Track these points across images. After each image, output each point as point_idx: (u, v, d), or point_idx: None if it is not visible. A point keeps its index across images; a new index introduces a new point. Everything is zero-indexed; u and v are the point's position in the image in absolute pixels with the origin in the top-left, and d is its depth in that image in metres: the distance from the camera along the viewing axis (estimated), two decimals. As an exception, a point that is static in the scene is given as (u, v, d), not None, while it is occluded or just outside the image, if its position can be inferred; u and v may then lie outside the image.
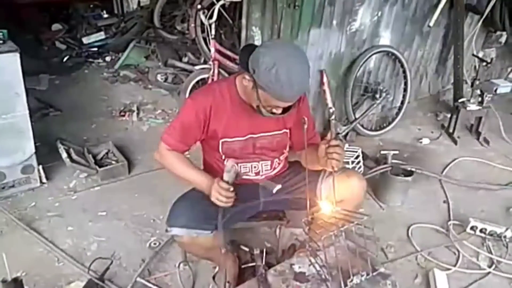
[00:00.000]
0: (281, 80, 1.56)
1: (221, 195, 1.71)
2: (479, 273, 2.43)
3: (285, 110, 1.74)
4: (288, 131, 1.98)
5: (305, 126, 1.78)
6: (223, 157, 1.94)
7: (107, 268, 2.22)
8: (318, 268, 1.75)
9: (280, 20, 2.88)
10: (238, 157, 1.93)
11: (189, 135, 1.87)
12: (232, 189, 1.72)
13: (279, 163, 2.06)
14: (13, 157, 2.65)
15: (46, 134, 3.30)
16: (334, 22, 3.22)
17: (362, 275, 1.68)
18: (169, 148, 1.87)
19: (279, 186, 1.90)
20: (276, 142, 1.96)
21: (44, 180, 2.86)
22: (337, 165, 1.76)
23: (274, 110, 1.72)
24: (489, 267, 2.46)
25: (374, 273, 1.71)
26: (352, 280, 1.66)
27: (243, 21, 3.00)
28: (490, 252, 2.56)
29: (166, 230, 1.86)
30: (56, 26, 5.24)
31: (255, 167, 2.00)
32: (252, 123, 1.87)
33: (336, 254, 1.79)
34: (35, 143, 2.73)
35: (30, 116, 2.65)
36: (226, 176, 1.72)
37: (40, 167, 2.82)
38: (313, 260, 1.79)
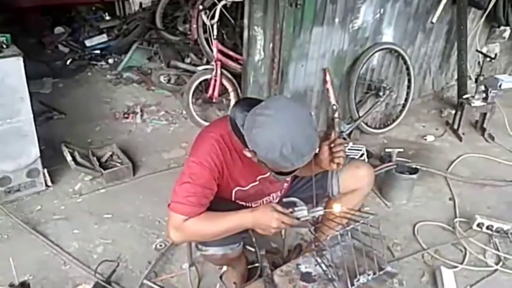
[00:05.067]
0: (290, 158, 1.41)
1: (285, 226, 1.57)
2: (486, 270, 2.42)
3: None
4: None
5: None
6: (235, 200, 1.82)
7: (114, 271, 2.23)
8: (324, 268, 1.75)
9: (282, 19, 2.87)
10: (252, 199, 1.84)
11: (207, 196, 1.61)
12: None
13: (286, 183, 1.96)
14: (18, 161, 2.66)
15: (50, 138, 3.31)
16: (336, 20, 3.21)
17: (368, 275, 1.68)
18: (186, 218, 1.57)
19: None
20: None
21: (49, 183, 2.86)
22: (343, 163, 1.74)
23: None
24: (496, 264, 2.45)
25: (381, 272, 1.71)
26: (358, 280, 1.66)
27: (245, 21, 2.99)
28: (497, 249, 2.55)
29: (200, 249, 1.80)
30: (58, 29, 5.24)
31: (267, 200, 1.90)
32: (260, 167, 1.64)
33: (342, 254, 1.79)
34: (39, 146, 2.73)
35: (34, 120, 2.66)
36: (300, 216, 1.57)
37: (45, 170, 2.83)
38: (319, 260, 1.79)
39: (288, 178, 1.73)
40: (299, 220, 1.56)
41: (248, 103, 1.55)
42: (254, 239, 1.72)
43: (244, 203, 1.83)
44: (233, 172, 1.68)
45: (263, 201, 1.88)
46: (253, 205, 1.83)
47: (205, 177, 1.59)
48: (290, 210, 1.58)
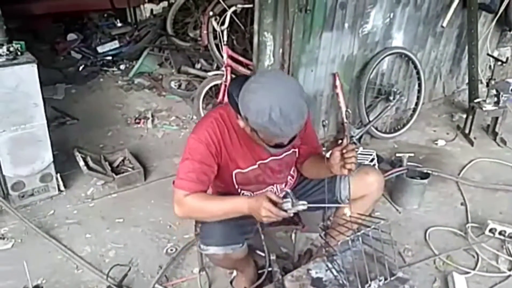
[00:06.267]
0: (277, 123, 1.47)
1: (275, 217, 1.58)
2: (499, 276, 2.40)
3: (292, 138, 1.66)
4: (297, 149, 1.94)
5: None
6: (238, 187, 1.89)
7: (125, 275, 2.25)
8: (335, 273, 1.75)
9: (292, 25, 2.89)
10: (254, 185, 1.90)
11: (206, 172, 1.71)
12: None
13: (291, 178, 2.05)
14: (32, 166, 2.70)
15: (63, 143, 3.35)
16: (346, 25, 3.22)
17: (380, 280, 1.68)
18: (187, 194, 1.66)
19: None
20: (285, 163, 1.93)
21: (62, 188, 2.90)
22: (354, 169, 1.74)
23: (280, 143, 1.65)
24: (509, 270, 2.43)
25: (392, 278, 1.70)
26: (370, 285, 1.65)
27: (255, 26, 3.01)
28: (510, 255, 2.52)
29: (201, 249, 1.84)
30: (71, 36, 5.32)
31: (271, 190, 1.95)
32: (260, 149, 1.78)
33: (353, 259, 1.78)
34: (52, 151, 2.77)
35: (48, 126, 2.70)
36: (288, 209, 1.56)
37: (58, 175, 2.87)
38: (330, 265, 1.79)
39: (281, 151, 1.74)
40: (286, 212, 1.55)
41: (245, 79, 1.61)
42: (264, 243, 1.74)
43: (248, 193, 1.89)
44: (232, 152, 1.75)
45: (267, 191, 1.91)
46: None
47: (201, 152, 1.69)
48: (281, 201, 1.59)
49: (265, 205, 1.53)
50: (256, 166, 1.83)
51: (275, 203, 1.54)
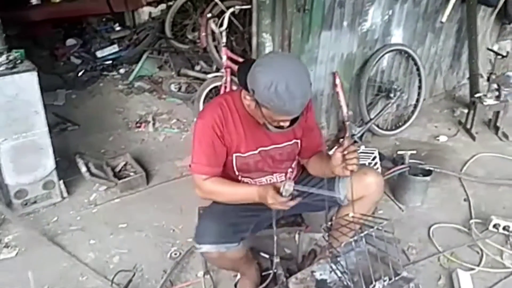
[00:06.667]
0: (282, 96, 1.55)
1: (279, 205, 1.67)
2: (504, 272, 2.39)
3: (292, 121, 1.72)
4: (298, 141, 1.96)
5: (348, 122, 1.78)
6: (238, 174, 1.93)
7: (130, 281, 2.26)
8: (339, 274, 1.75)
9: (290, 25, 2.88)
10: (253, 172, 1.93)
11: (216, 154, 1.81)
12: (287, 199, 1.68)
13: (292, 171, 2.06)
14: (34, 174, 2.71)
15: (65, 149, 3.36)
16: (345, 23, 3.21)
17: (384, 280, 1.68)
18: (205, 178, 1.81)
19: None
20: (287, 153, 1.95)
21: (65, 194, 2.91)
22: (356, 170, 1.74)
23: (281, 124, 1.71)
24: (514, 265, 2.42)
25: (397, 278, 1.70)
26: (374, 286, 1.65)
27: (253, 28, 3.00)
28: (515, 250, 2.52)
29: (195, 247, 1.86)
30: (70, 41, 5.32)
31: (270, 180, 1.99)
32: (262, 136, 1.85)
33: (357, 260, 1.78)
34: (55, 158, 2.78)
35: (49, 132, 2.71)
36: (285, 195, 1.65)
37: (61, 182, 2.87)
38: (334, 267, 1.78)
39: (281, 134, 1.82)
40: (287, 197, 1.65)
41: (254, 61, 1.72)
42: (275, 246, 1.79)
43: (247, 179, 1.96)
44: (234, 135, 1.82)
45: (267, 180, 1.98)
46: (257, 183, 1.96)
47: (209, 135, 1.78)
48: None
49: (271, 194, 1.65)
50: (256, 152, 1.88)
51: (279, 192, 1.65)
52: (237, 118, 1.82)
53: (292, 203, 1.66)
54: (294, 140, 1.94)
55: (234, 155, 1.87)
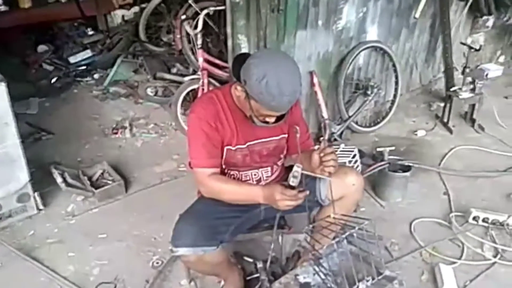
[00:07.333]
0: (272, 91, 1.59)
1: (289, 200, 1.66)
2: (485, 264, 2.43)
3: (279, 118, 1.76)
4: (286, 136, 1.98)
5: (298, 135, 1.78)
6: (224, 167, 1.93)
7: (111, 293, 2.20)
8: (323, 276, 1.74)
9: (265, 26, 2.87)
10: (239, 166, 1.94)
11: (215, 146, 1.83)
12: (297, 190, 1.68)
13: (277, 168, 2.07)
14: (8, 187, 2.62)
15: (39, 159, 3.27)
16: (320, 22, 3.21)
17: (367, 280, 1.68)
18: (208, 172, 1.81)
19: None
20: (273, 148, 1.97)
21: (41, 206, 2.82)
22: (334, 171, 1.75)
23: (267, 119, 1.74)
24: (494, 256, 2.46)
25: (380, 277, 1.70)
26: (358, 287, 1.64)
27: (228, 29, 2.98)
28: (494, 242, 2.55)
29: (172, 251, 1.82)
30: (42, 48, 5.18)
31: (255, 174, 2.00)
32: (250, 130, 1.87)
33: (340, 261, 1.77)
34: (29, 169, 2.69)
35: (22, 142, 2.62)
36: (293, 182, 1.67)
37: (36, 194, 2.78)
38: (317, 269, 1.77)
39: (266, 129, 1.84)
40: (295, 188, 1.66)
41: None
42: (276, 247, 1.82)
43: (234, 172, 1.96)
44: (226, 126, 1.83)
45: (252, 174, 1.98)
46: (243, 176, 1.97)
47: (204, 127, 1.78)
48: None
49: (279, 189, 1.66)
50: (244, 146, 1.89)
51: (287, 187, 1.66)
52: (228, 112, 1.83)
53: (302, 195, 1.66)
54: (281, 135, 1.96)
55: (226, 148, 1.87)
